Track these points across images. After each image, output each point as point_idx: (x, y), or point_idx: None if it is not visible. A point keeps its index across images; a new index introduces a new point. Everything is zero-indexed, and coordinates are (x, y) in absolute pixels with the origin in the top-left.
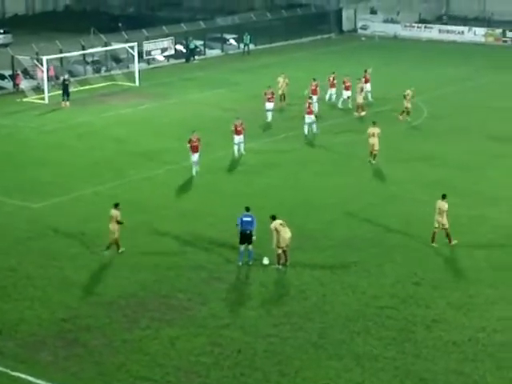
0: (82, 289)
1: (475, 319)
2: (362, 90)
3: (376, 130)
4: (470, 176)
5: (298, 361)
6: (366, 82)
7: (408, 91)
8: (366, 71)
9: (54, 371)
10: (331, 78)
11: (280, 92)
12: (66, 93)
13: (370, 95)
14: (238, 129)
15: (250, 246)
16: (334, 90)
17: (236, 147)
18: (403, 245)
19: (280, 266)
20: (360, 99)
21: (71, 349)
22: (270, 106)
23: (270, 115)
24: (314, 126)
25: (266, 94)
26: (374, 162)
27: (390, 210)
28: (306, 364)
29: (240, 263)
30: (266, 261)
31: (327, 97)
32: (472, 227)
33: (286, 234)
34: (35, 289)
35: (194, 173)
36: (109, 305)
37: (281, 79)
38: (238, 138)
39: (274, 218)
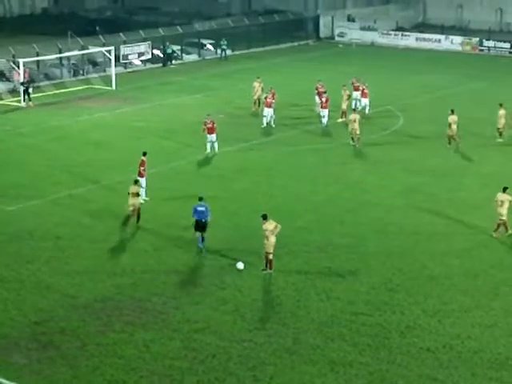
0: (56, 292)
1: (449, 326)
2: (348, 97)
3: (357, 117)
4: (445, 183)
5: (273, 366)
6: (361, 92)
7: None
8: (364, 82)
9: (27, 374)
10: (357, 85)
11: (255, 97)
12: (27, 94)
13: (355, 103)
14: (209, 126)
15: (204, 234)
16: (358, 96)
17: (209, 145)
18: (378, 251)
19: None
20: (344, 105)
21: (45, 352)
22: (268, 111)
23: (265, 120)
24: (324, 120)
25: (266, 98)
26: (357, 145)
27: (364, 216)
28: (281, 369)
29: (200, 246)
30: (240, 266)
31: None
32: (447, 234)
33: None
34: (8, 291)
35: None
36: (83, 308)
37: (256, 84)
38: (209, 137)
39: (265, 217)
